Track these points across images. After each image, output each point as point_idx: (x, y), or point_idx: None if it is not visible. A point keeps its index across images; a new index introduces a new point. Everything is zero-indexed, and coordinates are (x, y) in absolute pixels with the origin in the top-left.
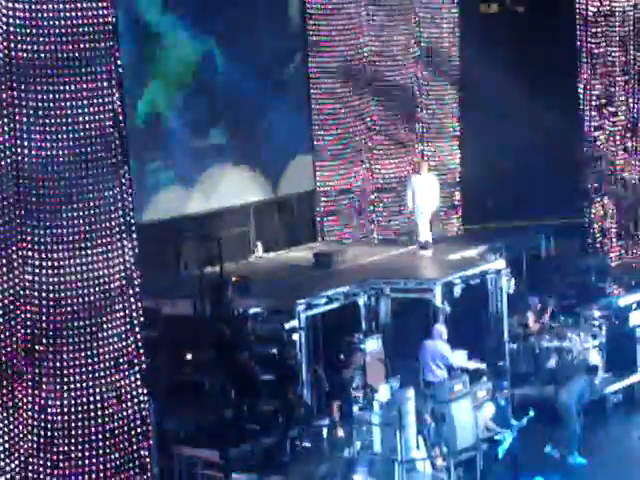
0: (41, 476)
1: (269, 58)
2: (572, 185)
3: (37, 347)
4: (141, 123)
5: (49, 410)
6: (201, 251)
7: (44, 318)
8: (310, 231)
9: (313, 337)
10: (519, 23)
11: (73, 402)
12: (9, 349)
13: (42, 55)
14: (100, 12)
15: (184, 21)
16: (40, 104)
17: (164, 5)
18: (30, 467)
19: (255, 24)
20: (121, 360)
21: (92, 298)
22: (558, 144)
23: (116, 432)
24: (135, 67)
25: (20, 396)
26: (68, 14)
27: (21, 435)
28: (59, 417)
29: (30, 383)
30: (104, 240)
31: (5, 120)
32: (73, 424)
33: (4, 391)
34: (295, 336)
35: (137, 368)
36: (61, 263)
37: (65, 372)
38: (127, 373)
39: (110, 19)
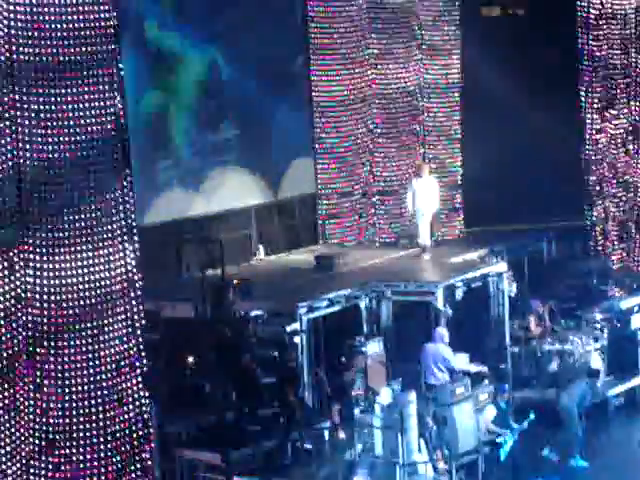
0: (42, 479)
1: (271, 61)
2: (574, 188)
3: (38, 350)
4: (143, 126)
5: (50, 413)
6: (202, 254)
7: (45, 321)
8: (311, 234)
9: (314, 340)
10: (520, 26)
11: (74, 405)
12: (10, 352)
13: (44, 58)
14: (101, 15)
15: (187, 26)
16: (42, 107)
17: (166, 10)
18: (31, 470)
19: (257, 27)
20: (122, 363)
21: (93, 301)
22: (559, 147)
23: (117, 435)
24: (137, 70)
25: (22, 399)
26: (69, 17)
27: (22, 438)
28: (60, 420)
29: (31, 386)
30: (105, 243)
31: (7, 123)
32: (74, 427)
33: (5, 394)
34: (296, 339)
35: (138, 371)
36: (62, 266)
37: (66, 375)
38: (128, 376)
39: (111, 22)
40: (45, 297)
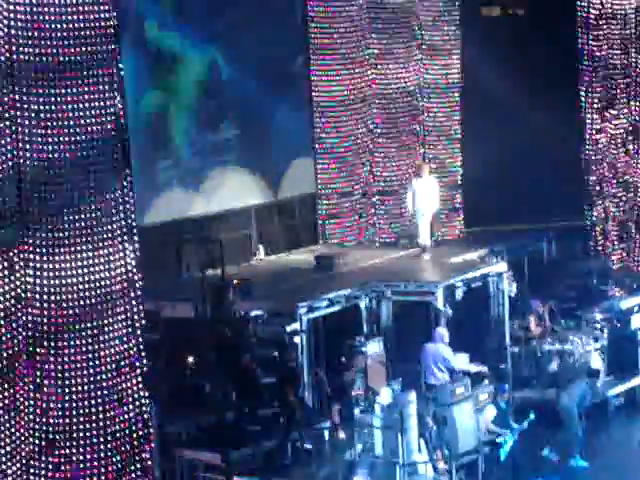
0: (42, 479)
1: (271, 61)
2: (574, 188)
3: (38, 350)
4: (143, 126)
5: (50, 413)
6: (202, 254)
7: (45, 321)
8: (311, 234)
9: (314, 340)
10: (520, 26)
11: (74, 405)
12: (10, 352)
13: (43, 58)
14: (101, 15)
15: (187, 26)
16: (42, 107)
17: (166, 10)
18: (31, 470)
19: (257, 27)
20: (122, 363)
21: (93, 301)
22: (559, 147)
23: (117, 435)
24: (137, 70)
25: (22, 399)
26: (69, 17)
27: (22, 438)
28: (60, 420)
29: (31, 386)
30: (105, 243)
31: (7, 123)
32: (74, 427)
33: (5, 394)
34: (296, 339)
35: (138, 371)
36: (62, 266)
37: (66, 375)
38: (128, 376)
39: (111, 22)
40: (45, 297)
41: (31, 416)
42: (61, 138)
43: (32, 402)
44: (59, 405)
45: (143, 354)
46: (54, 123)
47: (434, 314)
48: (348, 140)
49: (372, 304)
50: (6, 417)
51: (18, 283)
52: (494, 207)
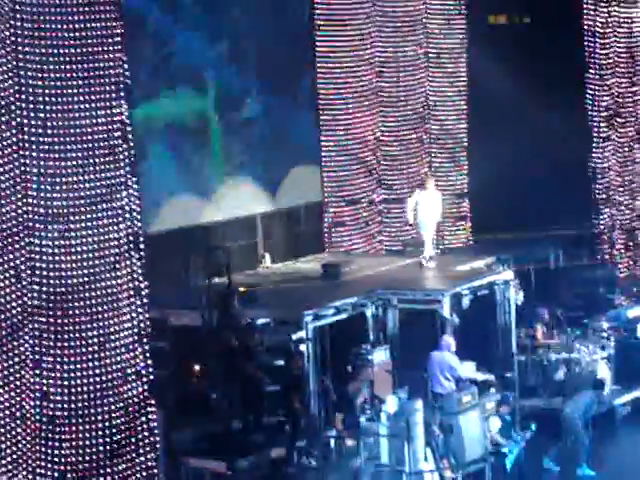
0: None
1: (279, 71)
2: (580, 196)
3: (45, 358)
4: (148, 133)
5: (57, 421)
6: (209, 262)
7: (52, 329)
8: (318, 242)
9: (321, 348)
10: (527, 34)
11: (81, 413)
12: (17, 360)
13: (50, 66)
14: (108, 23)
15: (193, 28)
16: (48, 115)
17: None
18: (37, 478)
19: (263, 35)
20: (129, 371)
21: (100, 309)
22: (566, 154)
23: (124, 443)
24: (144, 79)
25: (28, 407)
26: (76, 25)
27: (29, 445)
28: (67, 428)
29: (38, 394)
30: (112, 251)
31: (13, 131)
32: (81, 435)
33: (12, 402)
34: (302, 347)
35: (145, 379)
36: (69, 274)
37: (73, 383)
38: (135, 384)
39: (118, 30)
40: (51, 305)
41: (38, 424)
42: (67, 146)
43: (39, 410)
44: (65, 413)
45: (149, 362)
46: (60, 131)
47: (440, 322)
48: (354, 148)
49: (378, 312)
50: (12, 425)
51: (25, 291)
52: (501, 215)
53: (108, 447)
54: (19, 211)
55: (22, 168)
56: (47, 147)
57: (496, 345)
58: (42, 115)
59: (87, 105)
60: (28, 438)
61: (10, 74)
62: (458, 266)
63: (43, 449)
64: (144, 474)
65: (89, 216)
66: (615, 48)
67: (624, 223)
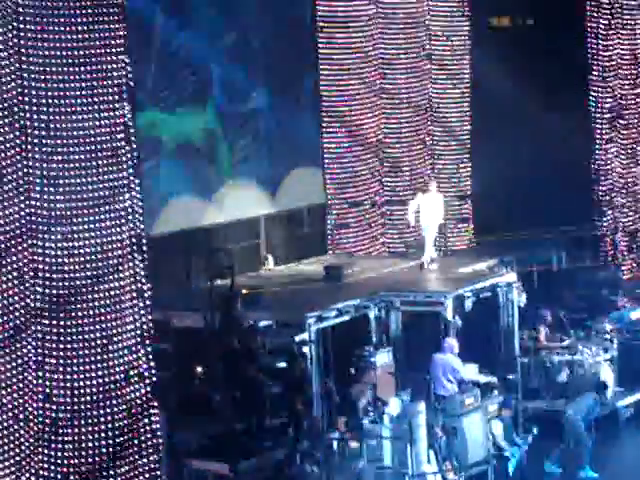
0: None
1: (282, 73)
2: (583, 198)
3: (48, 359)
4: (150, 136)
5: (60, 423)
6: (211, 264)
7: (55, 331)
8: (320, 244)
9: (323, 350)
10: (529, 36)
11: (83, 415)
12: (20, 361)
13: (53, 68)
14: (112, 26)
15: (195, 33)
16: (51, 117)
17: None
18: None
19: (266, 37)
20: (131, 373)
21: (102, 311)
22: (569, 157)
23: (126, 445)
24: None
25: (30, 409)
26: (79, 27)
27: (32, 448)
28: (69, 430)
29: (41, 396)
30: (115, 253)
31: (16, 133)
32: (83, 437)
33: (15, 403)
34: (305, 349)
35: (147, 381)
36: (72, 276)
37: (76, 385)
38: (137, 386)
39: (122, 33)
40: (54, 307)
41: (40, 426)
42: (70, 148)
43: (41, 412)
44: (68, 415)
45: (152, 364)
46: (63, 133)
47: (443, 324)
48: (357, 149)
49: (381, 314)
50: (15, 426)
51: (28, 293)
52: (503, 217)
53: (111, 449)
54: (22, 213)
55: (25, 170)
56: (50, 149)
57: (499, 347)
58: (45, 117)
59: (90, 107)
60: (31, 440)
61: (13, 76)
62: (461, 268)
63: (46, 451)
64: (147, 476)
65: (92, 218)
66: (618, 50)
67: (627, 225)
